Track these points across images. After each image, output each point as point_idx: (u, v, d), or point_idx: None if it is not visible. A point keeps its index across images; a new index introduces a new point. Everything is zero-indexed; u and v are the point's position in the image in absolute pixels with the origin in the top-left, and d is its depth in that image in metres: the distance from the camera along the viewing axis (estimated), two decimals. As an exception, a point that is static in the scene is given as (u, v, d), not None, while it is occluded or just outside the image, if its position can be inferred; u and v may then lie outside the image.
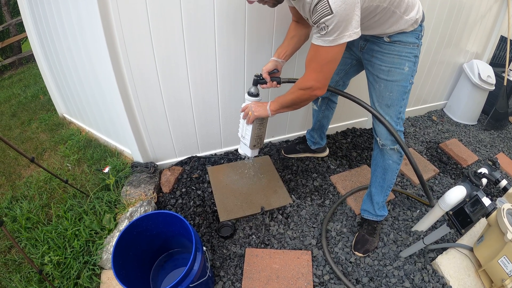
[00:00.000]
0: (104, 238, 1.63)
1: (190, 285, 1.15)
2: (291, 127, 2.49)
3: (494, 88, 3.37)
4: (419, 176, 1.55)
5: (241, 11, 1.67)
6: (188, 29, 1.61)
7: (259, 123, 1.54)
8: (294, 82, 1.40)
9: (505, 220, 1.46)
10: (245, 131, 1.60)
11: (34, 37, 2.29)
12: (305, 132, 2.37)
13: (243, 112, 1.53)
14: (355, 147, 2.60)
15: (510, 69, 3.88)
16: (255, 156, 1.77)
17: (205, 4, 1.57)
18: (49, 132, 2.58)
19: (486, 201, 1.49)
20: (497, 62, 3.98)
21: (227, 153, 2.30)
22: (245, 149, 1.69)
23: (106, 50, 1.48)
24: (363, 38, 1.47)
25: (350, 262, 1.67)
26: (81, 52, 1.84)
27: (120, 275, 1.11)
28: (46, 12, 1.91)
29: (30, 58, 5.43)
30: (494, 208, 1.51)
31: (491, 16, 3.32)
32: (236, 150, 2.31)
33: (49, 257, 1.52)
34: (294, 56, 1.91)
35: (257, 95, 1.53)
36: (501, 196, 2.37)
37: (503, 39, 3.79)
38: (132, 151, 2.00)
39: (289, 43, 1.57)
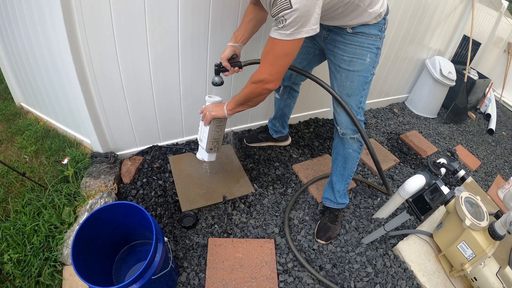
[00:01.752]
0: (64, 232, 1.57)
1: (152, 277, 1.12)
2: (254, 116, 2.49)
3: (454, 84, 3.54)
4: (376, 163, 1.60)
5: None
6: (150, 7, 1.54)
7: (216, 125, 1.53)
8: (257, 62, 1.38)
9: (463, 207, 1.53)
10: (203, 134, 1.59)
11: (-11, 23, 2.15)
12: (267, 121, 2.38)
13: (202, 114, 1.52)
14: (317, 137, 2.65)
15: (470, 67, 4.09)
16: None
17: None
18: (5, 122, 2.44)
19: (445, 189, 1.56)
20: (458, 60, 4.17)
21: (188, 142, 2.26)
22: (202, 153, 1.68)
23: (64, 32, 1.40)
24: (326, 28, 1.48)
25: (313, 250, 1.70)
26: (39, 38, 1.74)
27: (80, 270, 1.07)
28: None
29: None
30: (453, 196, 1.59)
31: (456, 16, 3.46)
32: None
33: (9, 255, 1.44)
34: (258, 39, 1.89)
35: (221, 83, 1.52)
36: (459, 186, 2.50)
37: (465, 38, 3.97)
38: (91, 141, 1.92)
39: (246, 27, 1.54)
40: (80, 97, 1.65)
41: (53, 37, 1.61)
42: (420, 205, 1.47)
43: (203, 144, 1.61)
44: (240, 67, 1.54)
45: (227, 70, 1.52)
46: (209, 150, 1.62)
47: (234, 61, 1.54)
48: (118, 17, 1.49)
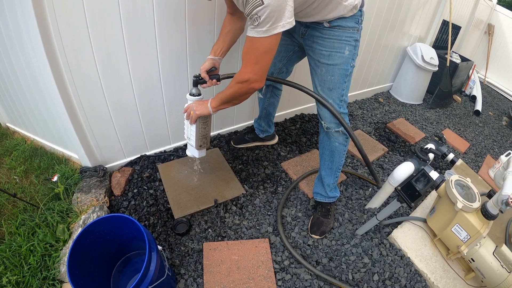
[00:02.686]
0: (60, 250, 1.57)
1: (149, 287, 1.13)
2: (239, 117, 2.49)
3: (437, 69, 3.58)
4: (364, 156, 1.62)
5: (181, 8, 1.65)
6: (127, 28, 1.56)
7: (203, 122, 1.54)
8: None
9: (454, 190, 1.54)
10: (190, 132, 1.59)
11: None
12: (253, 121, 2.39)
13: (186, 113, 1.53)
14: (304, 133, 2.66)
15: (452, 51, 4.14)
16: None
17: (143, 4, 1.54)
18: (-8, 144, 2.43)
19: (434, 174, 1.58)
20: (440, 45, 4.22)
21: (176, 149, 2.26)
22: (192, 151, 1.68)
23: (44, 52, 1.40)
24: (303, 24, 1.49)
25: (308, 245, 1.71)
26: (19, 57, 1.73)
27: (78, 286, 1.07)
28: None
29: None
30: (443, 180, 1.60)
31: (434, 1, 3.49)
32: (185, 145, 2.28)
33: (7, 277, 1.44)
34: (236, 50, 1.91)
35: (198, 95, 1.53)
36: (449, 169, 2.53)
37: (445, 23, 4.01)
38: (79, 156, 1.91)
39: (224, 39, 1.57)
40: (64, 116, 1.65)
41: (33, 58, 1.61)
42: (409, 192, 1.49)
43: (191, 142, 1.62)
44: (218, 79, 1.55)
45: (205, 82, 1.53)
46: (199, 147, 1.62)
47: (213, 73, 1.55)
48: (96, 32, 1.50)
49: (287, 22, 1.11)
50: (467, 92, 4.71)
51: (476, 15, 5.10)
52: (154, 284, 1.16)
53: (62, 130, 1.83)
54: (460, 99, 4.34)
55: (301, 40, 1.57)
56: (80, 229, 1.60)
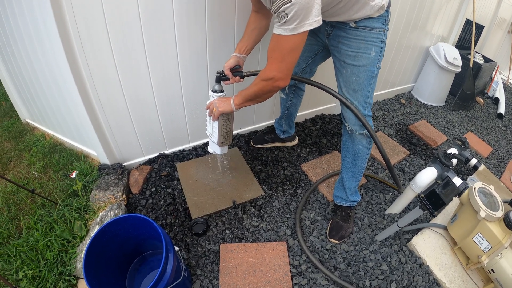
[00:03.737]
0: (77, 246, 1.58)
1: (166, 288, 1.12)
2: (259, 117, 2.47)
3: (460, 70, 3.47)
4: (387, 161, 1.58)
5: (201, 1, 1.63)
6: (146, 24, 1.55)
7: (225, 119, 1.53)
8: (257, 74, 1.38)
9: (477, 198, 1.50)
10: (212, 129, 1.58)
11: (-9, 41, 2.17)
12: (273, 121, 2.37)
13: (208, 110, 1.51)
14: (324, 134, 2.62)
15: (475, 51, 4.01)
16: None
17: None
18: (13, 140, 2.47)
19: (457, 181, 1.52)
20: (463, 45, 4.09)
21: (195, 148, 2.26)
22: (214, 147, 1.67)
23: (62, 50, 1.41)
24: (329, 24, 1.47)
25: (326, 250, 1.68)
26: (38, 55, 1.76)
27: (93, 285, 1.07)
28: (1, 15, 1.81)
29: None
30: (466, 188, 1.55)
31: (457, 0, 3.39)
32: (204, 144, 2.29)
33: (23, 271, 1.46)
34: (258, 48, 1.89)
35: (221, 91, 1.52)
36: (471, 175, 2.45)
37: (468, 22, 3.89)
38: (98, 153, 1.93)
39: (249, 37, 1.55)
40: (83, 113, 1.66)
41: (51, 56, 1.63)
42: (433, 200, 1.44)
43: (213, 138, 1.61)
44: (242, 77, 1.55)
45: (228, 79, 1.52)
46: (221, 143, 1.61)
47: (237, 70, 1.55)
48: (114, 29, 1.50)
49: (314, 20, 1.09)
50: (490, 94, 4.56)
51: (499, 14, 4.94)
52: (170, 286, 1.16)
53: (81, 127, 1.85)
54: (482, 101, 4.21)
55: (326, 40, 1.55)
56: (97, 226, 1.62)
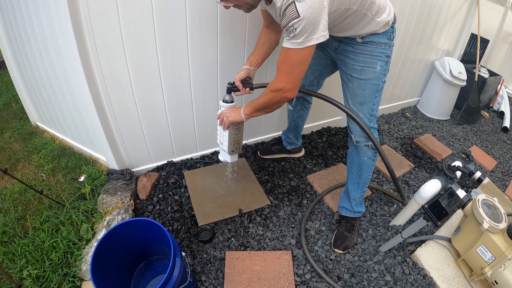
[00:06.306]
0: (83, 248, 1.59)
1: (171, 292, 1.14)
2: (267, 128, 2.50)
3: (465, 84, 3.48)
4: (391, 172, 1.59)
5: (213, 16, 1.68)
6: (160, 34, 1.60)
7: (235, 128, 1.57)
8: (266, 86, 1.42)
9: (481, 210, 1.51)
10: (223, 138, 1.62)
11: (5, 43, 2.21)
12: (281, 133, 2.40)
13: (219, 119, 1.56)
14: (330, 146, 2.64)
15: (480, 65, 4.03)
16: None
17: (177, 10, 1.57)
18: (22, 141, 2.50)
19: (461, 193, 1.53)
20: (468, 59, 4.11)
21: (203, 157, 2.29)
22: (224, 156, 1.72)
23: (77, 55, 1.45)
24: (337, 39, 1.52)
25: (331, 260, 1.69)
26: (52, 58, 1.79)
27: (99, 286, 1.09)
28: (17, 18, 1.85)
29: (1, 65, 5.23)
30: (470, 200, 1.56)
31: (462, 14, 3.42)
32: (212, 154, 2.32)
33: (28, 271, 1.47)
34: (267, 62, 1.93)
35: (231, 102, 1.57)
36: (476, 188, 2.45)
37: (473, 37, 3.91)
38: (107, 159, 1.96)
39: (259, 51, 1.61)
40: (95, 118, 1.69)
41: (66, 60, 1.66)
42: (437, 211, 1.45)
43: (224, 147, 1.65)
44: (252, 88, 1.60)
45: (239, 90, 1.58)
46: (231, 152, 1.66)
47: (247, 82, 1.60)
48: (129, 38, 1.54)
49: (321, 35, 1.14)
50: (495, 107, 4.56)
51: (504, 27, 4.96)
52: (176, 290, 1.16)
53: (92, 132, 1.88)
54: (488, 115, 4.21)
55: (333, 54, 1.59)
56: (104, 230, 1.63)
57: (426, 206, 1.50)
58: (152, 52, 1.63)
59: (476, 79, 3.66)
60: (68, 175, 2.04)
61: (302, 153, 2.44)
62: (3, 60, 2.46)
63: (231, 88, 1.57)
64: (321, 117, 2.77)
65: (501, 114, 4.32)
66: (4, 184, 2.05)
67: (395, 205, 2.09)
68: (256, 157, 2.36)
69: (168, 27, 1.60)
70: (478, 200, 1.55)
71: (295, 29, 1.11)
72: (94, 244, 1.59)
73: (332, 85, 2.20)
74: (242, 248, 1.69)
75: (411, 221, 1.97)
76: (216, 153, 2.32)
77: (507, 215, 1.57)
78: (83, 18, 1.39)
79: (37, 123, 2.65)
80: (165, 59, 1.69)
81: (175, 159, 2.21)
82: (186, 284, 1.25)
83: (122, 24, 1.48)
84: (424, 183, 1.67)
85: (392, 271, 1.66)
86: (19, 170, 2.19)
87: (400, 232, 1.65)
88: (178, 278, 1.16)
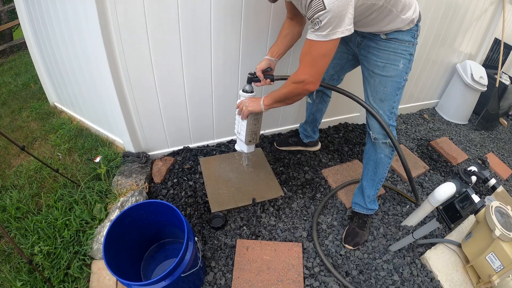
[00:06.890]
0: (95, 228, 1.62)
1: (182, 275, 1.15)
2: (284, 120, 2.49)
3: (486, 89, 3.41)
4: (407, 171, 1.58)
5: (238, 7, 1.67)
6: (184, 22, 1.60)
7: (254, 119, 1.56)
8: (287, 78, 1.41)
9: (493, 217, 1.48)
10: (240, 127, 1.62)
11: (27, 25, 2.24)
12: (298, 125, 2.39)
13: (238, 108, 1.55)
14: (346, 142, 2.62)
15: (502, 71, 3.93)
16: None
17: (202, 5, 1.58)
18: (39, 121, 2.54)
19: (476, 198, 1.51)
20: (490, 64, 4.01)
21: (219, 145, 2.29)
22: (241, 145, 1.71)
23: (101, 41, 1.46)
24: (360, 34, 1.50)
25: (340, 255, 1.68)
26: (74, 41, 1.81)
27: (111, 265, 1.10)
28: (40, 1, 1.88)
29: (22, 46, 5.32)
30: (483, 206, 1.54)
31: (486, 18, 3.34)
32: (229, 142, 2.32)
33: (39, 247, 1.50)
34: (289, 53, 1.92)
35: (251, 92, 1.56)
36: (489, 195, 2.41)
37: (497, 42, 3.82)
38: (124, 141, 1.98)
39: (282, 42, 1.59)
40: (115, 101, 1.71)
41: (89, 43, 1.67)
42: (450, 213, 1.44)
43: (241, 137, 1.64)
44: (272, 80, 1.59)
45: (259, 81, 1.56)
46: (248, 142, 1.65)
47: (268, 73, 1.58)
48: (153, 23, 1.55)
49: (346, 28, 1.12)
50: (514, 116, 4.46)
51: (529, 35, 4.83)
52: (187, 273, 1.18)
53: (110, 114, 1.90)
54: (506, 122, 4.12)
55: (356, 49, 1.58)
56: (117, 211, 1.66)
57: (441, 207, 1.49)
58: (175, 30, 1.62)
59: (497, 85, 3.58)
60: (84, 155, 2.08)
61: (319, 147, 2.44)
62: (24, 41, 2.50)
63: (252, 78, 1.56)
64: (339, 113, 2.75)
65: (520, 123, 4.22)
66: (20, 162, 2.10)
67: (407, 206, 2.07)
68: (272, 148, 2.37)
69: (193, 16, 1.60)
70: (491, 207, 1.53)
71: (321, 21, 1.09)
72: (106, 224, 1.61)
73: (350, 80, 2.18)
74: (253, 237, 1.70)
75: (422, 223, 1.95)
76: (232, 142, 2.33)
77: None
78: (109, 6, 1.40)
79: (55, 103, 2.69)
80: (187, 43, 1.69)
81: (192, 145, 2.22)
82: (197, 268, 1.26)
83: (146, 7, 1.48)
84: (438, 186, 1.65)
85: (401, 271, 1.65)
86: (35, 148, 2.24)
87: (412, 233, 1.63)
88: (189, 262, 1.18)
